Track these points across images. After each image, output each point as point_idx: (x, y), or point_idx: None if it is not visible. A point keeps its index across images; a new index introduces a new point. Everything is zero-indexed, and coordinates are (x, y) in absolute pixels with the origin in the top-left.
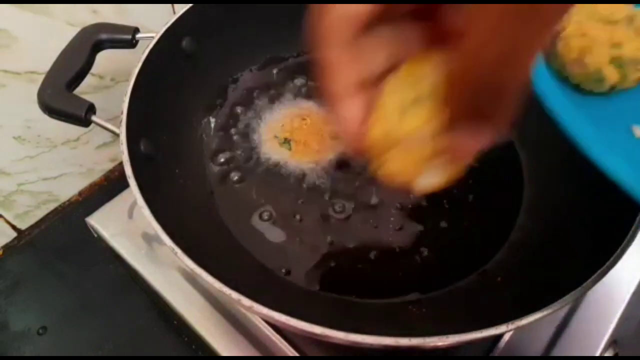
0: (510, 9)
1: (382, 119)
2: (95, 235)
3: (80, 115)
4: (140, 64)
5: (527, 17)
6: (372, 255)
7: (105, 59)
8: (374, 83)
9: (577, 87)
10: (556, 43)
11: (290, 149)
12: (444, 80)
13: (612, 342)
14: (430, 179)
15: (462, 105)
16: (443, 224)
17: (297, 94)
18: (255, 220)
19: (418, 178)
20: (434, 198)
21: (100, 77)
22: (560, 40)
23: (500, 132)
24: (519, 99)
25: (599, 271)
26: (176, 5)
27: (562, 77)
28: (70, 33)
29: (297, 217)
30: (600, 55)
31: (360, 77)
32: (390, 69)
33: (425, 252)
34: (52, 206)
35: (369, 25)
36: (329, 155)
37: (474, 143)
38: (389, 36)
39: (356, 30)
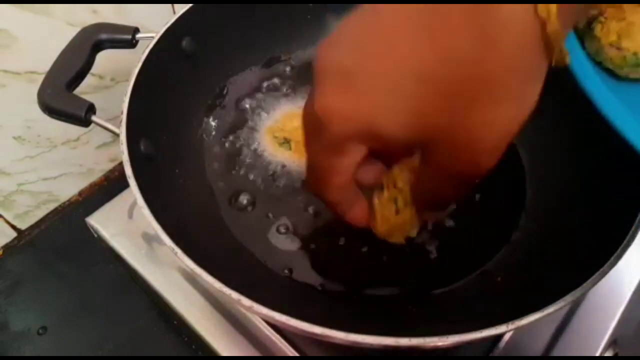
0: (447, 177)
1: (385, 220)
2: (95, 235)
3: (80, 115)
4: (140, 64)
5: (460, 180)
6: (383, 256)
7: (105, 59)
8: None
9: (612, 72)
10: (594, 26)
11: (290, 149)
12: (410, 191)
13: (612, 342)
14: (412, 232)
15: (422, 206)
16: (449, 223)
17: (297, 93)
18: (255, 219)
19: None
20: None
21: (100, 77)
22: (598, 23)
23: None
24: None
25: (599, 271)
26: (176, 5)
27: (597, 61)
28: (70, 33)
29: (299, 218)
30: (638, 40)
31: (357, 192)
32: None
33: (433, 252)
34: (52, 206)
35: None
36: None
37: (435, 217)
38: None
39: (349, 180)
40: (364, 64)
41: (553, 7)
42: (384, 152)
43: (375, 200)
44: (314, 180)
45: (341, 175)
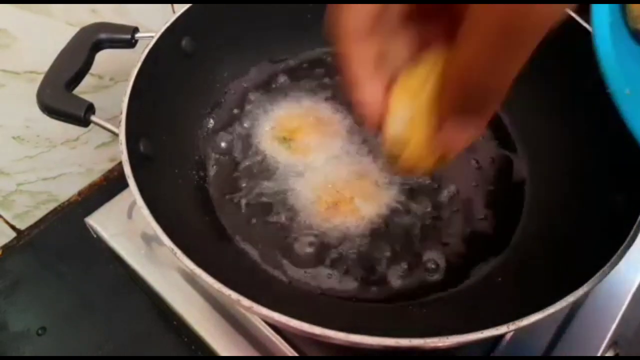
0: (495, 32)
1: (395, 123)
2: (95, 236)
3: (80, 115)
4: (139, 64)
5: (511, 38)
6: (383, 256)
7: (105, 59)
8: (388, 69)
9: None
10: None
11: (289, 148)
12: (440, 79)
13: (613, 342)
14: (428, 165)
15: (453, 101)
16: (446, 224)
17: (296, 94)
18: (254, 219)
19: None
20: (439, 200)
21: (100, 76)
22: None
23: (480, 130)
24: (500, 102)
25: (599, 272)
26: (176, 5)
27: None
28: (70, 33)
29: (299, 218)
30: None
31: (375, 63)
32: (400, 57)
33: (429, 253)
34: (51, 206)
35: (378, 23)
36: (327, 153)
37: (460, 138)
38: (397, 31)
39: (368, 27)
40: None
41: None
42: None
43: (394, 92)
44: (336, 12)
45: (365, 8)
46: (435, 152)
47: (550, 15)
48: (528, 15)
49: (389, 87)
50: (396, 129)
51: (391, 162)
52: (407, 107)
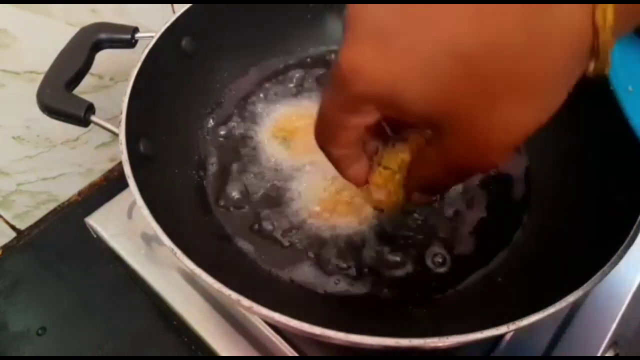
0: (448, 170)
1: (378, 188)
2: (95, 236)
3: (80, 115)
4: (139, 64)
5: (461, 173)
6: (384, 257)
7: (105, 59)
8: (368, 153)
9: None
10: None
11: (289, 148)
12: (407, 170)
13: (613, 342)
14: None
15: (414, 188)
16: (448, 224)
17: (296, 93)
18: (254, 220)
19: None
20: (440, 199)
21: (100, 76)
22: None
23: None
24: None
25: (599, 272)
26: (176, 5)
27: None
28: (70, 33)
29: (299, 219)
30: None
31: (357, 154)
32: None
33: (430, 253)
34: (51, 206)
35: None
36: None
37: (424, 201)
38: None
39: (355, 141)
40: (405, 27)
41: (610, 15)
42: (395, 121)
43: (376, 166)
44: (321, 132)
45: (349, 133)
46: (408, 205)
47: (496, 164)
48: (480, 164)
49: (370, 163)
50: (378, 196)
51: (374, 208)
52: (386, 184)
